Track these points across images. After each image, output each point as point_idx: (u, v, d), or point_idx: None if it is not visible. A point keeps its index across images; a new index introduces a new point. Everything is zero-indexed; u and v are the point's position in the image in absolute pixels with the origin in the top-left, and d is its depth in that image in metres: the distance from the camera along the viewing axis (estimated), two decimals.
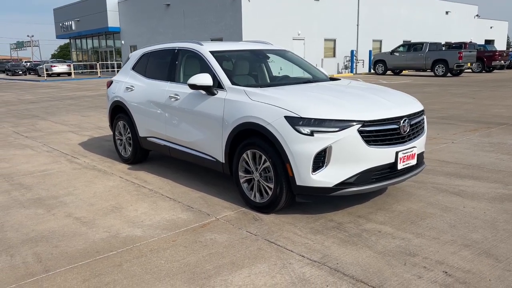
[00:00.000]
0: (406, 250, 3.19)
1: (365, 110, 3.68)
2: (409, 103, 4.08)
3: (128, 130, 5.84)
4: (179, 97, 4.84)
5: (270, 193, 3.86)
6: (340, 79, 5.17)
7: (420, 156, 4.19)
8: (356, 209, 4.04)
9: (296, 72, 5.50)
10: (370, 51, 31.15)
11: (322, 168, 3.58)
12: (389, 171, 3.78)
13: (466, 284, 2.70)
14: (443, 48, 26.28)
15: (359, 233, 3.51)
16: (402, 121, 3.76)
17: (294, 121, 3.59)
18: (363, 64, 31.56)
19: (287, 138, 3.61)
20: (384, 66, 26.91)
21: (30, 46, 61.09)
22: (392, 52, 26.46)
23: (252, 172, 4.03)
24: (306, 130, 3.54)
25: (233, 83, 4.36)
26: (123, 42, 36.09)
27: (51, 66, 37.18)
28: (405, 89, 16.40)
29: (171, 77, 5.14)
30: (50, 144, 7.60)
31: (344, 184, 3.60)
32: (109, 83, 6.33)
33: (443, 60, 24.10)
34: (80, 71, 39.41)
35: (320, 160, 3.57)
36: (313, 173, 3.57)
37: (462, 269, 2.89)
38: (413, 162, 3.91)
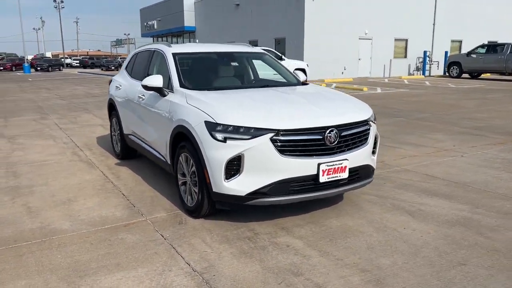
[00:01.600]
0: (296, 268, 3.00)
1: (284, 119, 3.50)
2: (347, 113, 3.80)
3: (118, 126, 6.11)
4: (144, 97, 4.97)
5: (196, 197, 3.84)
6: (308, 84, 4.96)
7: (364, 170, 3.88)
8: (286, 220, 3.87)
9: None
10: (446, 52, 29.03)
11: (236, 176, 3.48)
12: (313, 183, 3.56)
13: None
14: None
15: (265, 246, 3.36)
16: (328, 131, 3.52)
17: (212, 127, 3.54)
18: (437, 66, 29.53)
19: (204, 143, 3.56)
20: (459, 68, 24.95)
21: (127, 43, 67.07)
22: (469, 53, 24.43)
23: (186, 175, 4.04)
24: (220, 136, 3.47)
25: (182, 85, 4.38)
26: (197, 40, 37.51)
27: None
28: (468, 94, 15.13)
29: (144, 77, 5.27)
30: (72, 137, 8.17)
31: (257, 193, 3.47)
32: (109, 82, 6.66)
33: None
34: None
35: (233, 168, 3.47)
36: (226, 181, 3.49)
37: None
38: (344, 175, 3.63)
